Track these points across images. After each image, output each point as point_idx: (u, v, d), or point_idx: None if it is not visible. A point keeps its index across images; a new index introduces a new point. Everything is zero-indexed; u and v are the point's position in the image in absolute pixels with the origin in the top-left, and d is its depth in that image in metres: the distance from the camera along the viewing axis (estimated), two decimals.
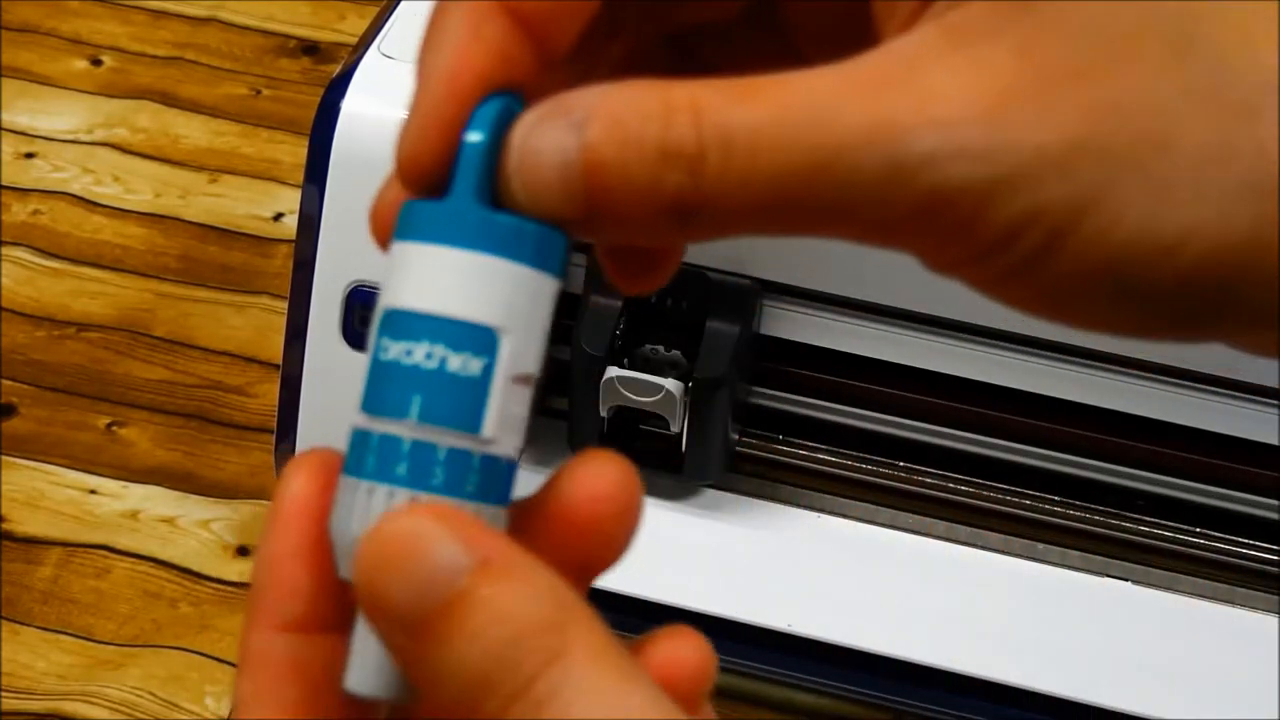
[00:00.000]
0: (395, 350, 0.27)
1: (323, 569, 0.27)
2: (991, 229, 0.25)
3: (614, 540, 0.27)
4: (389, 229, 0.27)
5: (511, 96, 0.27)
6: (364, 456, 0.26)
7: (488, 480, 0.26)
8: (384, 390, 0.27)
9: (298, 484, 0.27)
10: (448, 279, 0.26)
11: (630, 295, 0.30)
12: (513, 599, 0.24)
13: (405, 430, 0.26)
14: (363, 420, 0.27)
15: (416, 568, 0.25)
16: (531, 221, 0.26)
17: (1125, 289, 0.25)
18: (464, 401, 0.26)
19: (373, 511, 0.26)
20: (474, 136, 0.26)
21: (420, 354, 0.26)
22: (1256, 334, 0.26)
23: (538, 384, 0.27)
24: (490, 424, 0.26)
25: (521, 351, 0.27)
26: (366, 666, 0.26)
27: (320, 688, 0.27)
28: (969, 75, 0.25)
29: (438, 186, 0.27)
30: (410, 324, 0.26)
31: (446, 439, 0.26)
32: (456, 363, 0.26)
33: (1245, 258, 0.25)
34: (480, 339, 0.26)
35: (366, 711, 0.27)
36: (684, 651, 0.27)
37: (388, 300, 0.27)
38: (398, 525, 0.25)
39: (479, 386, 0.26)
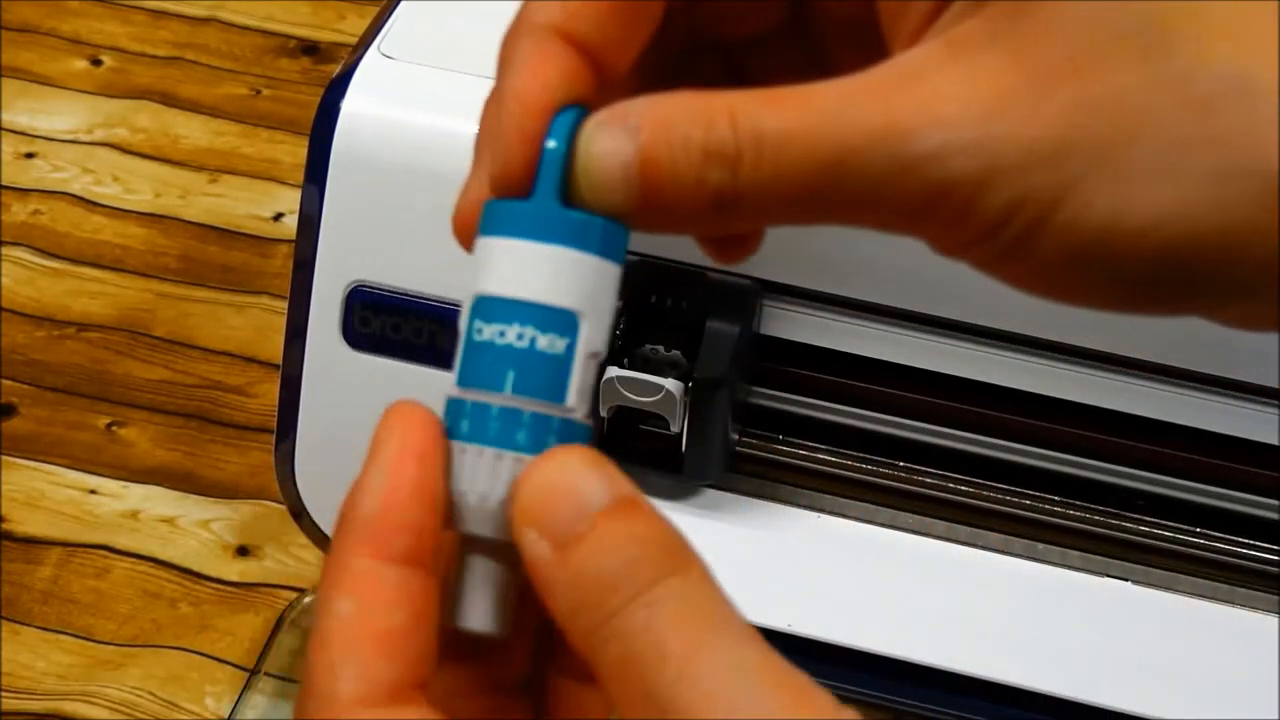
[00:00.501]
0: (489, 332, 0.31)
1: (429, 513, 0.30)
2: (984, 216, 0.28)
3: None
4: (471, 229, 0.31)
5: (580, 109, 0.31)
6: (485, 425, 0.30)
7: (574, 441, 0.31)
8: (480, 367, 0.31)
9: (403, 433, 0.30)
10: (536, 269, 0.30)
11: (723, 265, 0.36)
12: (644, 526, 0.29)
13: (501, 400, 0.30)
14: (458, 393, 0.31)
15: (574, 497, 0.29)
16: (600, 217, 0.30)
17: (1104, 268, 0.29)
18: (551, 376, 0.30)
19: (500, 474, 0.30)
20: (552, 144, 0.30)
21: (512, 335, 0.30)
22: (1232, 309, 0.30)
23: (601, 359, 0.31)
24: (572, 395, 0.31)
25: (595, 331, 0.31)
26: (479, 606, 0.31)
27: (420, 618, 0.29)
28: (968, 81, 0.28)
29: (519, 189, 0.31)
30: (503, 309, 0.31)
31: (549, 409, 0.30)
32: (544, 342, 0.30)
33: (1209, 241, 0.28)
34: (565, 321, 0.30)
35: (448, 649, 0.31)
36: None
37: (480, 288, 0.31)
38: (562, 463, 0.29)
39: (563, 363, 0.31)
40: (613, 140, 0.30)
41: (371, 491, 0.30)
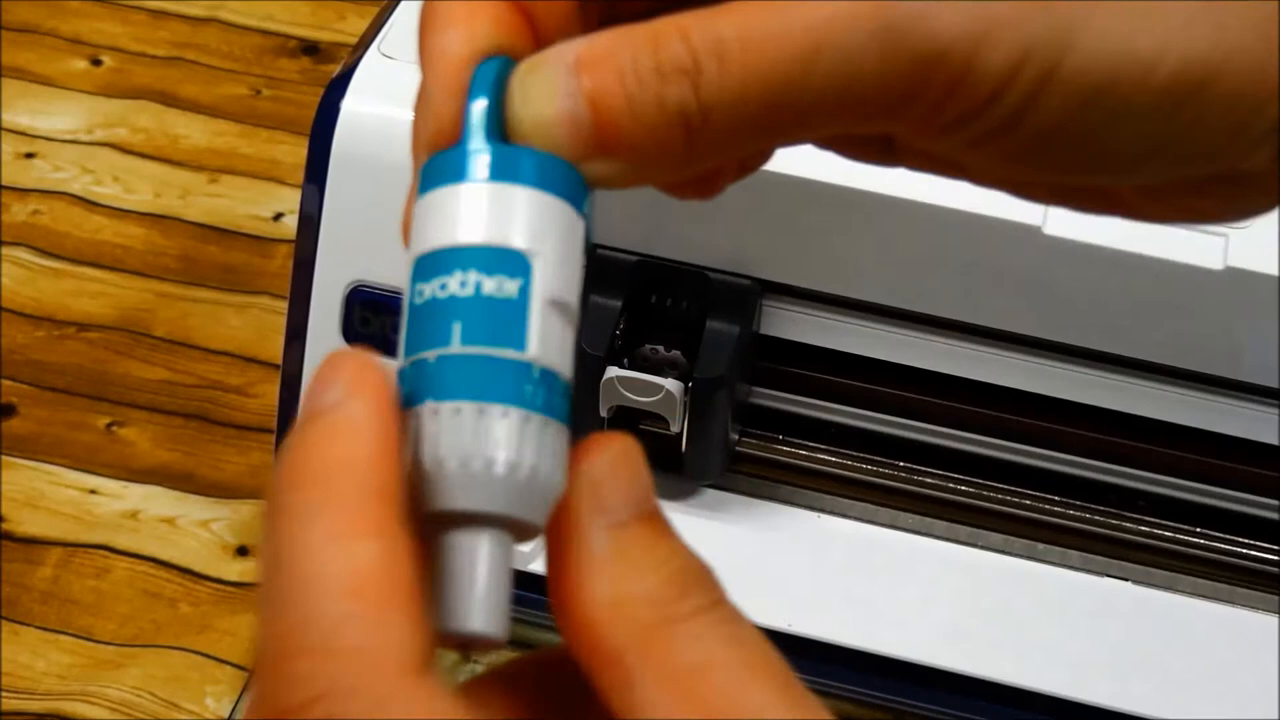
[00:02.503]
0: (429, 289, 0.27)
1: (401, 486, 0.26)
2: (985, 77, 0.26)
3: None
4: None
5: (507, 59, 0.28)
6: (458, 377, 0.26)
7: (555, 396, 0.27)
8: (424, 327, 0.27)
9: (360, 386, 0.26)
10: (469, 211, 0.27)
11: (685, 199, 0.31)
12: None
13: (463, 351, 0.26)
14: (407, 362, 0.27)
15: (638, 476, 0.26)
16: (545, 152, 0.27)
17: (1111, 119, 0.26)
18: (505, 322, 0.26)
19: (484, 432, 0.26)
20: (477, 96, 0.27)
21: (455, 284, 0.26)
22: (1225, 157, 0.28)
23: (576, 319, 0.27)
24: (533, 342, 0.26)
25: (554, 275, 0.27)
26: (472, 604, 0.26)
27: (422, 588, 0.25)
28: None
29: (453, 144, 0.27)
30: (440, 261, 0.27)
31: (515, 357, 0.26)
32: (491, 285, 0.26)
33: (1209, 69, 0.26)
34: (511, 261, 0.26)
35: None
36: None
37: (415, 249, 0.27)
38: (625, 439, 0.26)
39: (518, 307, 0.26)
40: (551, 81, 0.26)
41: (359, 442, 0.25)
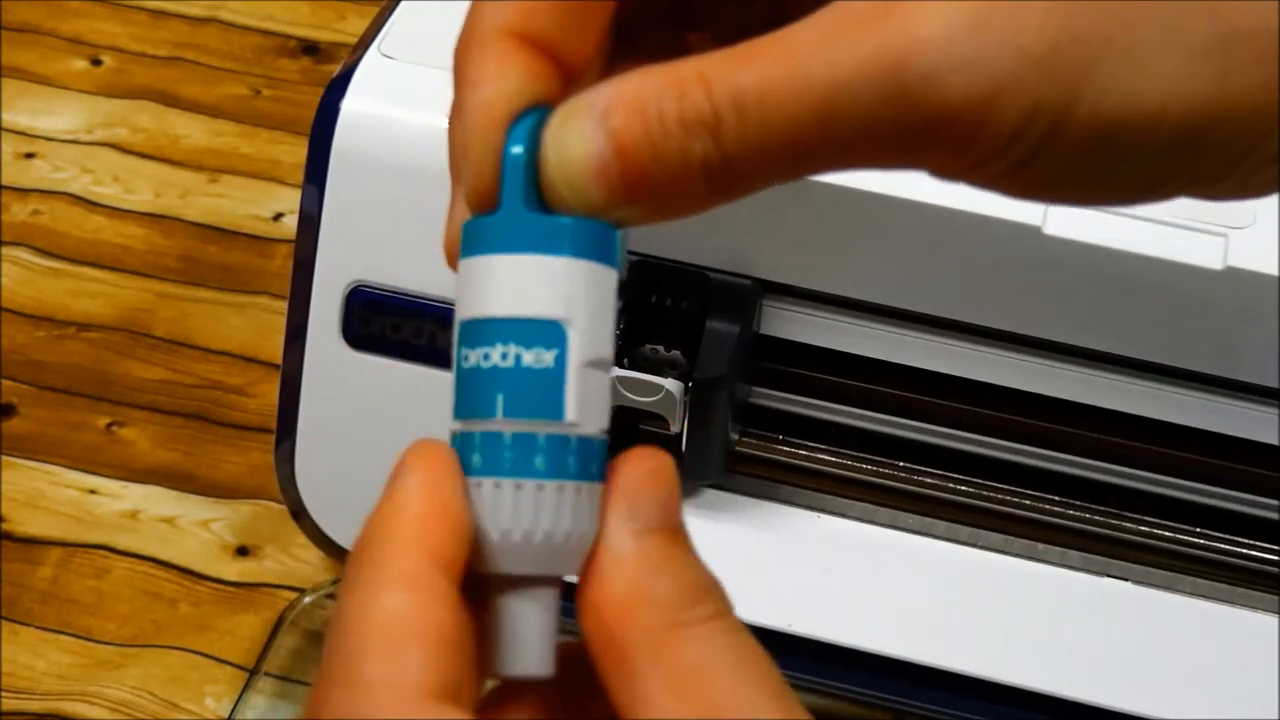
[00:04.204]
0: (474, 357, 0.29)
1: (460, 545, 0.29)
2: (996, 132, 0.27)
3: None
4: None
5: (542, 110, 0.29)
6: (499, 454, 0.29)
7: (591, 459, 0.29)
8: (470, 395, 0.29)
9: (426, 467, 0.29)
10: (508, 283, 0.29)
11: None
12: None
13: (503, 426, 0.29)
14: (459, 426, 0.30)
15: (668, 491, 0.30)
16: (569, 217, 0.29)
17: (1119, 161, 0.28)
18: (544, 392, 0.29)
19: (524, 506, 0.29)
20: (516, 149, 0.29)
21: (496, 356, 0.29)
22: (1230, 179, 0.29)
23: (609, 366, 0.30)
24: (572, 409, 0.29)
25: (590, 339, 0.29)
26: (521, 649, 0.30)
27: (467, 634, 0.29)
28: None
29: (493, 204, 0.29)
30: (482, 331, 0.29)
31: (553, 428, 0.29)
32: (530, 358, 0.29)
33: (1212, 116, 0.27)
34: (548, 332, 0.29)
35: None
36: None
37: (460, 314, 0.30)
38: (662, 456, 0.30)
39: (555, 376, 0.29)
40: (581, 133, 0.28)
41: (409, 508, 0.29)
